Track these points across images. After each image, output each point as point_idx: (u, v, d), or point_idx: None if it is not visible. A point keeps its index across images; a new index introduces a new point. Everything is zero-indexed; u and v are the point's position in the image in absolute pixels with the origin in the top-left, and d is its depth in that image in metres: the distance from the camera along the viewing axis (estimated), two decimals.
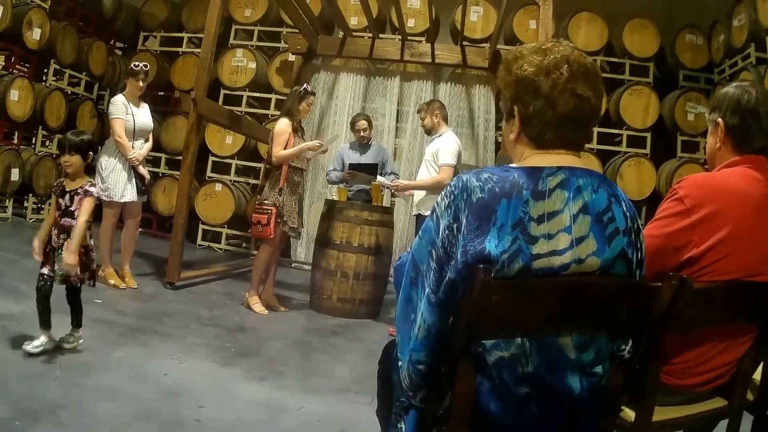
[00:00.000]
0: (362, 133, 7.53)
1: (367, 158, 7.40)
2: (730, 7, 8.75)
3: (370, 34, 9.73)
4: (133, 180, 6.26)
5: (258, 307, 6.34)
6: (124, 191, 6.19)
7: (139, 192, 6.34)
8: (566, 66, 1.68)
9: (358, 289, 6.69)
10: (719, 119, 2.36)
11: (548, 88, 1.68)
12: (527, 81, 1.72)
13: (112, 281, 6.21)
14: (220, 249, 10.75)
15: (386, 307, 7.20)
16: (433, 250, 1.69)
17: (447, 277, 1.64)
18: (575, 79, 1.68)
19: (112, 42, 12.03)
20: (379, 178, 6.90)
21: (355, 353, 5.31)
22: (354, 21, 10.40)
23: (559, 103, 1.68)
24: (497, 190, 1.60)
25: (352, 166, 7.18)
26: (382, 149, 7.86)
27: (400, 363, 1.83)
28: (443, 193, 1.71)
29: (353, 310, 6.70)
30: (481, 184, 1.62)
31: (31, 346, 3.79)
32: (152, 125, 6.61)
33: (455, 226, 1.63)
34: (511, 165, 1.74)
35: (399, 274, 1.94)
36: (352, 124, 7.69)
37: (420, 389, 1.78)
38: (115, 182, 6.15)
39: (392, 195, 7.14)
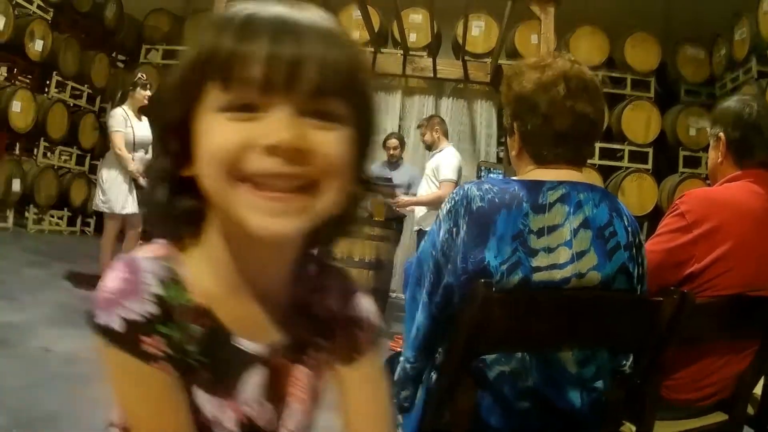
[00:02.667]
0: (392, 152, 7.57)
1: (395, 176, 7.41)
2: (732, 20, 8.76)
3: (372, 49, 9.73)
4: (134, 192, 6.26)
5: None
6: (125, 203, 6.19)
7: (140, 204, 6.33)
8: (564, 83, 1.68)
9: None
10: (721, 133, 2.36)
11: (546, 105, 1.68)
12: (525, 98, 1.72)
13: None
14: None
15: (386, 322, 7.17)
16: (433, 251, 1.70)
17: (444, 281, 1.65)
18: (574, 96, 1.68)
19: (114, 54, 12.04)
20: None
21: None
22: (355, 35, 10.40)
23: (557, 121, 1.68)
24: (497, 200, 1.60)
25: None
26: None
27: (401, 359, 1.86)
28: (446, 199, 1.73)
29: None
30: (481, 194, 1.62)
31: None
32: (152, 137, 6.60)
33: (454, 230, 1.64)
34: (513, 178, 1.75)
35: (408, 274, 1.97)
36: (383, 142, 7.72)
37: (404, 388, 1.83)
38: (117, 194, 6.15)
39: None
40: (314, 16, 0.84)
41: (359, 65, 0.87)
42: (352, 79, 0.84)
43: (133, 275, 0.85)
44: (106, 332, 0.83)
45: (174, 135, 0.87)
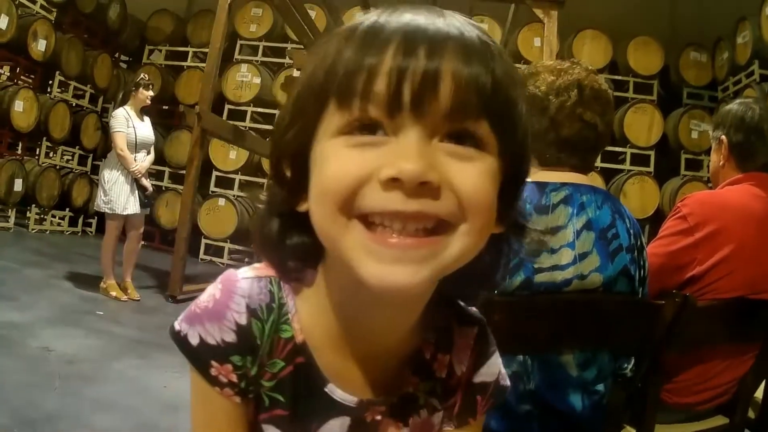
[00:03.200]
0: None
1: None
2: (734, 24, 8.76)
3: None
4: (136, 192, 6.26)
5: None
6: (127, 203, 6.18)
7: (142, 204, 6.33)
8: (577, 90, 1.68)
9: None
10: (723, 136, 2.36)
11: (555, 109, 1.68)
12: (536, 99, 1.72)
13: (113, 293, 6.18)
14: (223, 263, 10.70)
15: None
16: None
17: None
18: (584, 104, 1.68)
19: (117, 55, 12.06)
20: None
21: None
22: None
23: (564, 127, 1.68)
24: None
25: None
26: None
27: None
28: None
29: None
30: None
31: None
32: (153, 138, 6.61)
33: None
34: None
35: None
36: None
37: None
38: (118, 195, 6.14)
39: None
40: (454, 23, 0.70)
41: (508, 81, 0.71)
42: (498, 97, 0.68)
43: (224, 297, 0.80)
44: (180, 342, 0.82)
45: (289, 163, 0.77)
